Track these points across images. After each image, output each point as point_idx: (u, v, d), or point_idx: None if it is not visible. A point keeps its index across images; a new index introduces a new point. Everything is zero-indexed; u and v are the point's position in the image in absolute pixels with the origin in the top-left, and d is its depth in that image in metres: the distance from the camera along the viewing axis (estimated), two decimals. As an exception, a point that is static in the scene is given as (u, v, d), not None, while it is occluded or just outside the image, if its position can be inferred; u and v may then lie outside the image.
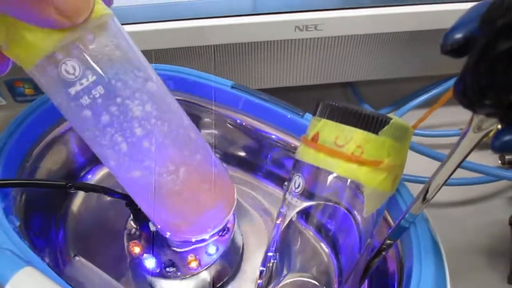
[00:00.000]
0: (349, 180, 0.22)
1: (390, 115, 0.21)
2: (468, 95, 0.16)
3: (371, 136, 0.21)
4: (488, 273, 0.36)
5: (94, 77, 0.20)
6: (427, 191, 0.21)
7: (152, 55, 0.37)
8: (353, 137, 0.21)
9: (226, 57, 0.40)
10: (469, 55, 0.16)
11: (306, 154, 0.23)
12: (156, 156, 0.22)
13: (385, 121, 0.21)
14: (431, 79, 0.48)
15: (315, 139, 0.22)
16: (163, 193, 0.24)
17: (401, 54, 0.43)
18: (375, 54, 0.42)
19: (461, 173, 0.38)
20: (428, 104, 0.46)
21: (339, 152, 0.21)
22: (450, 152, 0.20)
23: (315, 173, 0.23)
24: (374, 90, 0.49)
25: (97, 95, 0.20)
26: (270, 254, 0.26)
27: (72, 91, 0.20)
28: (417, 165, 0.35)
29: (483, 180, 0.38)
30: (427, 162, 0.36)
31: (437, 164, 0.21)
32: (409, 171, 0.32)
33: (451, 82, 0.42)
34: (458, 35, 0.17)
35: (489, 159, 0.42)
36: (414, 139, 0.42)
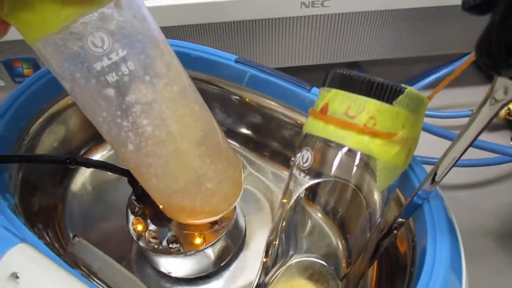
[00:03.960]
0: (359, 155, 0.21)
1: (403, 85, 0.20)
2: (493, 54, 0.14)
3: (385, 106, 0.20)
4: (498, 256, 0.35)
5: (125, 52, 0.18)
6: (435, 173, 0.20)
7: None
8: (366, 107, 0.20)
9: (230, 35, 0.39)
10: (494, 11, 0.15)
11: (315, 127, 0.21)
12: (180, 141, 0.21)
13: (399, 91, 0.20)
14: (439, 60, 0.47)
15: (324, 110, 0.21)
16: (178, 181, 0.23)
17: (408, 32, 0.42)
18: (382, 32, 0.41)
19: (470, 155, 0.37)
20: (437, 85, 0.45)
21: (350, 123, 0.20)
22: (464, 127, 0.18)
23: (324, 147, 0.22)
24: (381, 70, 0.47)
25: (126, 72, 0.18)
26: (275, 233, 0.25)
27: (98, 66, 0.18)
28: (427, 146, 0.34)
29: (493, 161, 0.37)
30: (437, 143, 0.35)
31: (447, 143, 0.20)
32: (420, 152, 0.31)
33: (460, 62, 0.40)
34: (483, -12, 0.15)
35: (500, 141, 0.40)
36: (425, 120, 0.41)
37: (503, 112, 0.41)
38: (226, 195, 0.25)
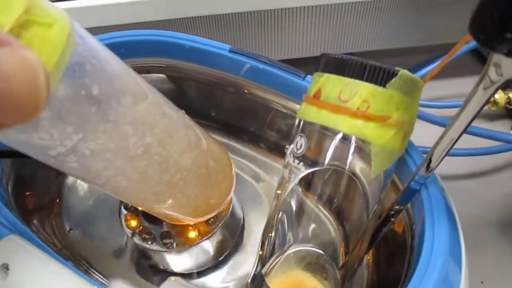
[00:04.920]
0: (355, 141, 0.21)
1: (397, 67, 0.20)
2: (488, 29, 0.14)
3: (378, 89, 0.19)
4: (501, 246, 0.34)
5: (80, 135, 0.16)
6: (430, 159, 0.19)
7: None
8: (358, 91, 0.19)
9: (224, 28, 0.38)
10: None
11: (308, 113, 0.21)
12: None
13: (393, 73, 0.19)
14: (437, 50, 0.46)
15: (317, 95, 0.21)
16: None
17: (404, 22, 0.41)
18: (378, 22, 0.40)
19: (471, 144, 0.36)
20: (436, 75, 0.44)
21: (343, 108, 0.19)
22: (458, 111, 0.18)
23: (319, 134, 0.21)
24: (379, 61, 0.47)
25: (88, 152, 0.16)
26: (271, 224, 0.25)
27: (53, 152, 0.16)
28: (427, 136, 0.33)
29: (494, 150, 0.37)
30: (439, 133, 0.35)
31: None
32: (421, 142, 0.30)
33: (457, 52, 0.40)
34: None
35: (500, 131, 0.40)
36: (422, 110, 0.40)
37: (503, 101, 0.40)
38: (219, 192, 0.25)
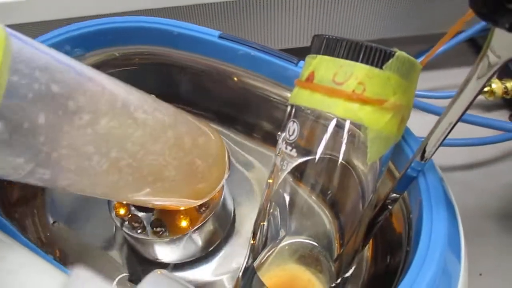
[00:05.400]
0: (349, 128, 0.20)
1: (394, 49, 0.19)
2: (489, 1, 0.13)
3: (374, 70, 0.18)
4: (500, 237, 0.33)
5: (32, 165, 0.15)
6: (424, 148, 0.19)
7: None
8: (354, 73, 0.18)
9: (213, 18, 0.37)
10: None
11: (300, 97, 0.20)
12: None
13: (389, 54, 0.18)
14: (434, 40, 0.45)
15: (310, 78, 0.20)
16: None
17: (401, 11, 0.40)
18: (375, 10, 0.40)
19: (469, 134, 0.36)
20: (432, 65, 0.44)
21: (338, 91, 0.18)
22: (456, 95, 0.17)
23: (311, 119, 0.20)
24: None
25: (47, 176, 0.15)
26: (263, 215, 0.24)
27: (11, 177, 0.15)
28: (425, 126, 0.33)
29: (492, 139, 0.36)
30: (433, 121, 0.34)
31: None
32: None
33: (455, 39, 0.39)
34: None
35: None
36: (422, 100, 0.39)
37: (500, 91, 0.40)
38: (210, 178, 0.24)
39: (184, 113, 0.23)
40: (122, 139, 0.17)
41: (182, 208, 0.25)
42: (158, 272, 0.16)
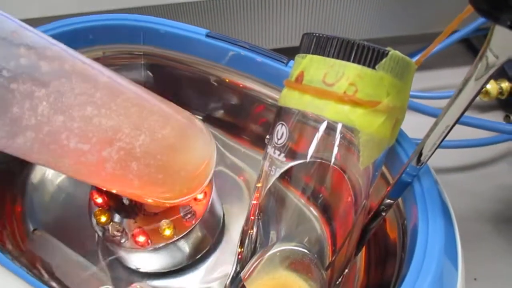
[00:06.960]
0: (341, 130, 0.19)
1: (388, 48, 0.18)
2: (489, -4, 0.12)
3: (367, 70, 0.17)
4: (496, 240, 0.33)
5: None
6: (421, 151, 0.18)
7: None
8: (345, 73, 0.17)
9: (203, 17, 0.36)
10: None
11: (290, 98, 0.19)
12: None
13: (383, 53, 0.17)
14: (428, 39, 0.44)
15: (299, 79, 0.19)
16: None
17: (394, 10, 0.39)
18: (368, 9, 0.39)
19: (463, 135, 0.35)
20: (425, 66, 0.43)
21: (328, 92, 0.18)
22: (453, 96, 0.16)
23: (301, 121, 0.19)
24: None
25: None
26: (251, 221, 0.23)
27: None
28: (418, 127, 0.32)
29: (487, 141, 0.35)
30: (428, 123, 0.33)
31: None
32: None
33: (450, 38, 0.38)
34: None
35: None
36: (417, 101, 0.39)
37: (495, 91, 0.39)
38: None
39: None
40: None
41: (167, 205, 0.24)
42: (138, 286, 0.15)
